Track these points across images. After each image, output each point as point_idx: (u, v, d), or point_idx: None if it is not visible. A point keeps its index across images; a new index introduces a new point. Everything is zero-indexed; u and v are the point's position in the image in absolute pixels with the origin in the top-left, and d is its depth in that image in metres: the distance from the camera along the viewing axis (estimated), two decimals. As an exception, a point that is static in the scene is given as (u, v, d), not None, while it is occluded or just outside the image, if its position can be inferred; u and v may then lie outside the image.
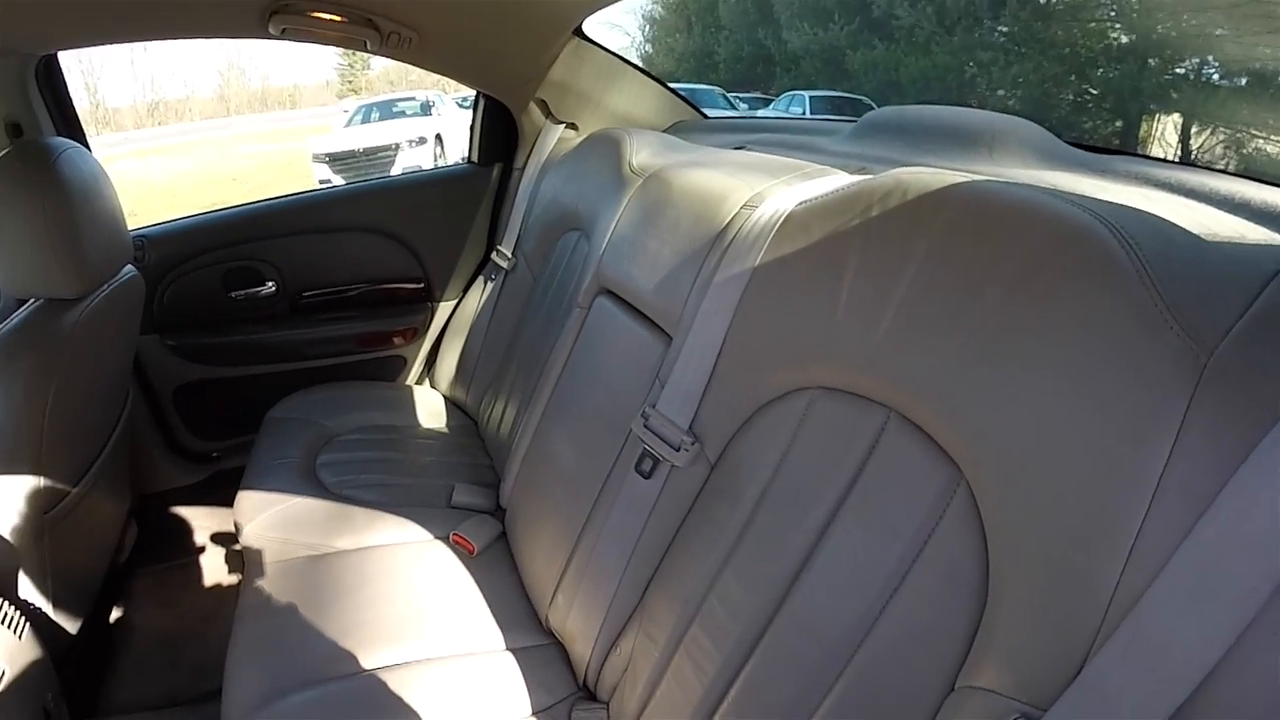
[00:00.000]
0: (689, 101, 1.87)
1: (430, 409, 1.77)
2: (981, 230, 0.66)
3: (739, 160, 1.16)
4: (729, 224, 0.96)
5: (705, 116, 1.87)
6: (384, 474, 1.45)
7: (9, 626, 1.08)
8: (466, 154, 1.95)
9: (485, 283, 1.82)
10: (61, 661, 1.23)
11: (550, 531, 1.13)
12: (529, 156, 1.82)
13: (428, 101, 10.57)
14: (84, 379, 1.20)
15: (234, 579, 1.71)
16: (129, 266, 1.35)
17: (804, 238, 0.82)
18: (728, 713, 0.79)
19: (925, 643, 0.65)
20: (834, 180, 0.95)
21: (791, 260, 0.83)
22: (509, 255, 1.74)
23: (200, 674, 1.49)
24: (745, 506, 0.82)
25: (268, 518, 1.28)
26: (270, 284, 1.78)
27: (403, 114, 10.49)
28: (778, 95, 13.41)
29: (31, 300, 1.16)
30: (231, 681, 1.02)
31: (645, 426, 0.95)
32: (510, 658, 1.06)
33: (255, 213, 1.78)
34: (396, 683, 0.98)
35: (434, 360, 1.95)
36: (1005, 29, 12.62)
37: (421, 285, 1.91)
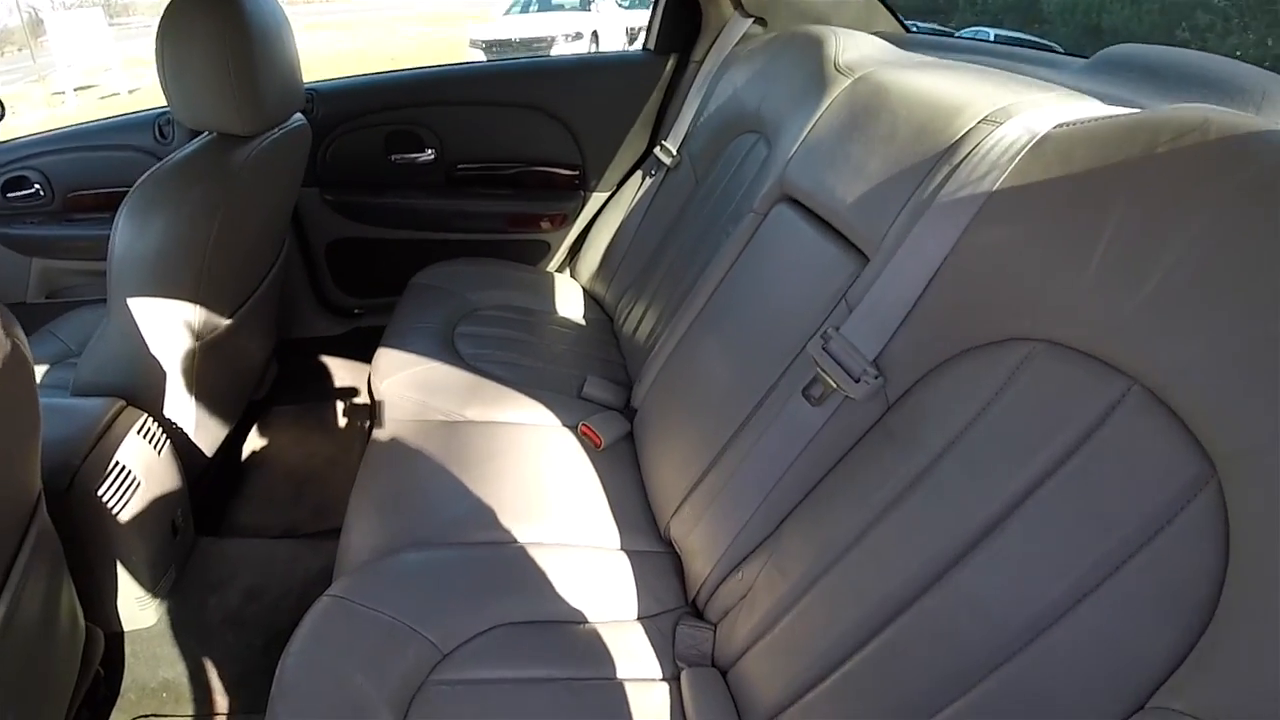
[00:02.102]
0: (893, 11, 1.67)
1: (568, 298, 1.73)
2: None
3: (974, 69, 1.00)
4: (963, 139, 0.81)
5: (907, 29, 1.68)
6: (519, 353, 1.43)
7: (150, 441, 1.13)
8: (643, 40, 1.84)
9: (643, 178, 1.74)
10: (195, 481, 1.30)
11: (686, 441, 1.07)
12: (710, 50, 1.69)
13: (585, -2, 10.35)
14: (247, 217, 1.22)
15: (361, 429, 1.77)
16: (298, 115, 1.35)
17: (1061, 166, 0.68)
18: (857, 670, 0.72)
19: (1116, 650, 0.55)
20: (1093, 107, 0.80)
21: (1041, 191, 0.70)
22: (674, 152, 1.65)
23: (320, 511, 1.56)
24: (923, 457, 0.72)
25: (404, 377, 1.28)
26: (429, 151, 1.76)
27: (561, 6, 10.33)
28: (958, 29, 12.32)
29: (205, 133, 1.17)
30: (351, 527, 1.03)
31: (824, 349, 0.85)
32: (624, 559, 1.03)
33: (424, 78, 1.76)
34: (507, 561, 0.96)
35: (578, 250, 1.90)
36: (1230, -9, 10.87)
37: (577, 172, 1.85)
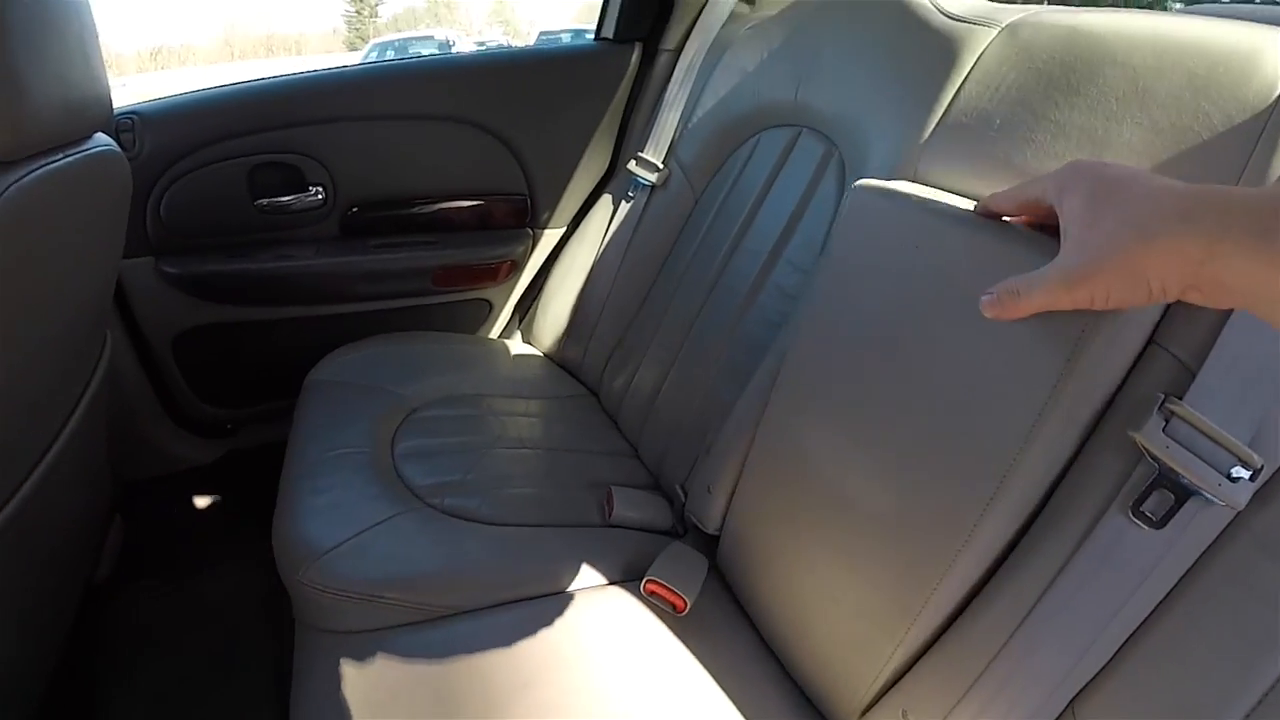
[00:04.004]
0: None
1: (531, 373, 1.27)
2: None
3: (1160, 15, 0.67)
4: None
5: None
6: (498, 471, 0.95)
7: None
8: (597, 28, 1.40)
9: (614, 204, 1.30)
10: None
11: (868, 590, 0.64)
12: (688, 35, 1.30)
13: (447, 40, 9.92)
14: (20, 299, 0.69)
15: (264, 600, 1.21)
16: (104, 138, 0.84)
17: None
18: None
19: None
20: None
21: None
22: (657, 165, 1.23)
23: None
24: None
25: (335, 559, 0.76)
26: (315, 190, 1.25)
27: (418, 55, 9.91)
28: None
29: None
30: None
31: (1167, 433, 0.47)
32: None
33: (300, 86, 1.23)
34: None
35: (530, 306, 1.43)
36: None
37: (522, 205, 1.38)
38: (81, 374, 0.96)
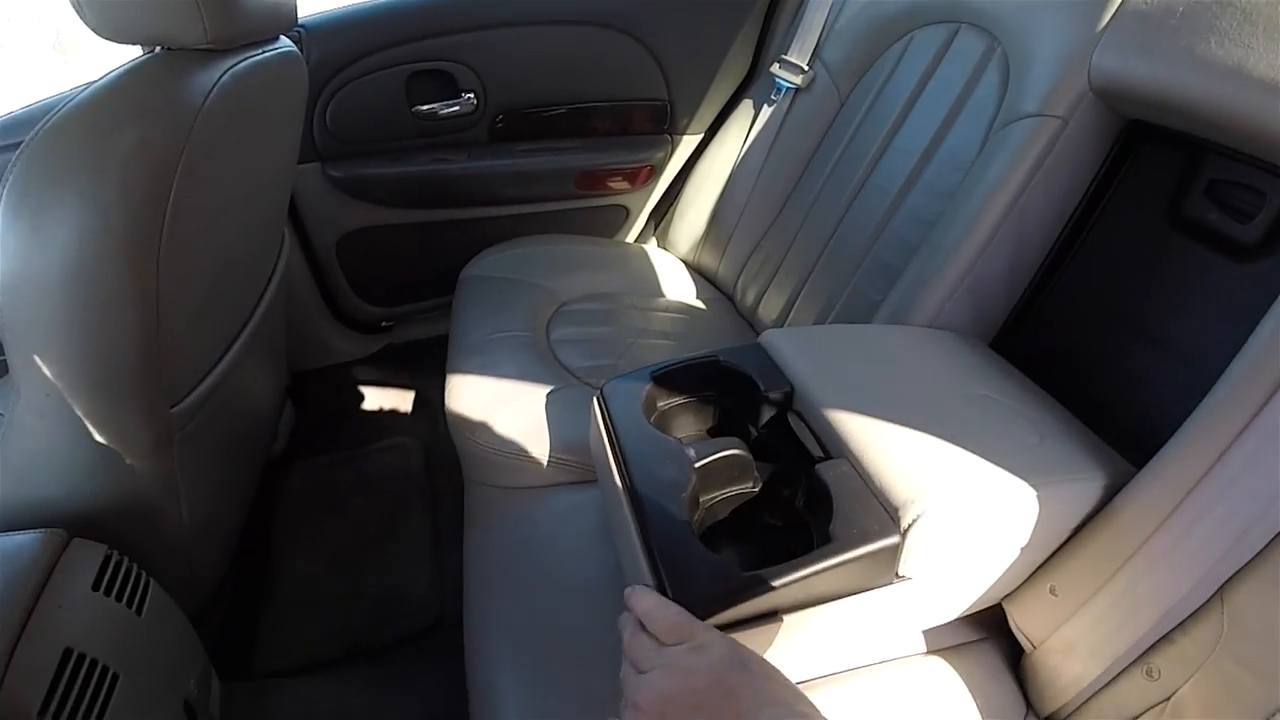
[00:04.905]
0: None
1: (669, 276, 1.30)
2: None
3: None
4: None
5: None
6: (645, 359, 0.99)
7: (122, 593, 0.68)
8: None
9: (755, 109, 1.29)
10: (203, 615, 0.86)
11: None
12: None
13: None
14: (226, 184, 0.77)
15: (417, 478, 1.32)
16: (288, 41, 0.91)
17: None
18: None
19: None
20: None
21: None
22: (802, 67, 1.20)
23: (387, 604, 1.12)
24: None
25: (506, 421, 0.84)
26: (468, 95, 1.30)
27: None
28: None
29: (142, 52, 0.73)
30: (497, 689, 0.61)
31: None
32: (943, 669, 0.62)
33: (455, -6, 1.28)
34: None
35: (667, 213, 1.46)
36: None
37: (662, 109, 1.39)
38: (266, 267, 1.05)
